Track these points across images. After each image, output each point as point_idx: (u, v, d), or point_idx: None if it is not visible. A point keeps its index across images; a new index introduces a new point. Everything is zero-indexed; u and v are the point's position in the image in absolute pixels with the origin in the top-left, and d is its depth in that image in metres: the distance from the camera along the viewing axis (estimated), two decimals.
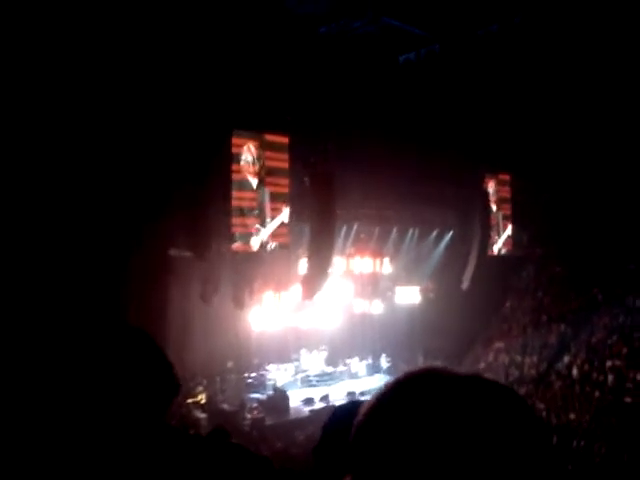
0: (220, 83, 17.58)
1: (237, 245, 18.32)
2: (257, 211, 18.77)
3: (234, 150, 18.35)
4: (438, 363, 23.18)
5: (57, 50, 14.96)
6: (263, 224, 18.87)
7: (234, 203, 18.22)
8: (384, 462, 0.74)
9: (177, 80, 16.77)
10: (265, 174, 18.90)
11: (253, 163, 18.71)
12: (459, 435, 0.72)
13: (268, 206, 19.06)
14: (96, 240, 15.67)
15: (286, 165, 19.39)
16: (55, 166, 15.02)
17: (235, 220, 18.28)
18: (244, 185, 18.55)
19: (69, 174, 15.22)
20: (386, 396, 0.80)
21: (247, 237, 18.54)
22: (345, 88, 20.70)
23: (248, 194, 18.64)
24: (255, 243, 18.65)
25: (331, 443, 1.58)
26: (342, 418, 1.64)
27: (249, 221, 18.60)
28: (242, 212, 18.50)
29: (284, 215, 19.30)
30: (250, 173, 18.65)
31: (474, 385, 0.78)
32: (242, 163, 18.51)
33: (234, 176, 18.30)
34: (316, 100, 19.68)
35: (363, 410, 0.82)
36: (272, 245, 19.04)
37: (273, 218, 19.11)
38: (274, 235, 19.09)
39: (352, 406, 1.73)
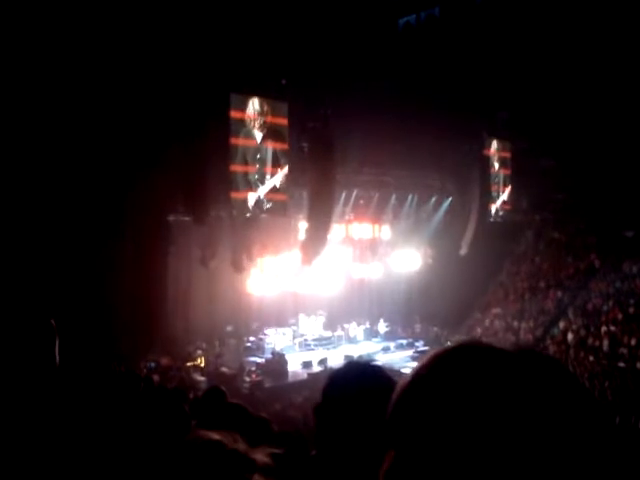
0: (217, 46, 17.36)
1: (236, 193, 18.31)
2: (258, 165, 18.76)
3: (233, 114, 18.31)
4: (435, 328, 23.41)
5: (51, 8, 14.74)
6: (262, 181, 18.86)
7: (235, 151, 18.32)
8: (430, 438, 0.70)
9: (175, 42, 16.55)
10: (267, 131, 18.88)
11: (259, 113, 18.65)
12: (506, 412, 0.69)
13: (269, 162, 19.07)
14: (93, 204, 15.63)
15: (286, 133, 19.37)
16: (51, 138, 14.91)
17: (236, 167, 18.32)
18: (248, 133, 18.57)
19: (65, 141, 15.12)
20: (427, 370, 0.76)
21: (247, 185, 18.59)
22: (344, 52, 20.45)
23: (251, 143, 18.65)
24: (252, 198, 18.62)
25: (332, 404, 1.62)
26: (341, 380, 1.67)
27: (250, 169, 18.62)
28: (245, 160, 18.51)
29: (282, 175, 19.31)
30: (255, 124, 18.62)
31: (525, 360, 0.74)
32: (248, 112, 18.53)
33: (235, 139, 18.29)
34: (315, 65, 19.45)
35: (401, 385, 0.78)
36: (268, 204, 19.02)
37: (273, 175, 19.12)
38: (272, 193, 19.14)
39: (350, 367, 1.76)
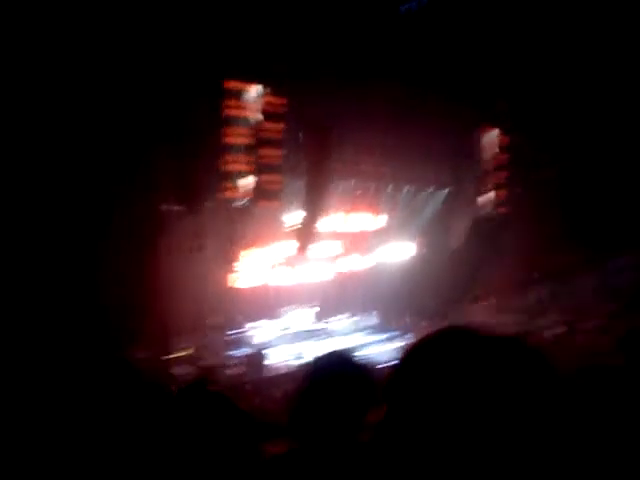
0: (211, 31, 17.20)
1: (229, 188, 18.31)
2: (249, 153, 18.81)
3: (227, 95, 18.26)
4: (427, 321, 23.38)
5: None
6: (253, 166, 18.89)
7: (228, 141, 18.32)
8: (416, 397, 0.87)
9: (166, 28, 16.41)
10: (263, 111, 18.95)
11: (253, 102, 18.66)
12: (483, 385, 0.84)
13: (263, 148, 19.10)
14: (81, 193, 15.58)
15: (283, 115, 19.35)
16: (39, 117, 14.83)
17: (229, 158, 18.35)
18: (243, 122, 18.61)
19: (53, 126, 15.04)
20: (421, 345, 0.94)
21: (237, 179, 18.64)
22: (342, 39, 20.30)
23: (244, 131, 18.66)
24: (244, 184, 18.66)
25: (315, 390, 1.71)
26: (324, 367, 1.77)
27: (243, 159, 18.64)
28: (239, 150, 18.52)
29: (277, 165, 19.25)
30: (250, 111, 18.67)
31: (503, 343, 0.91)
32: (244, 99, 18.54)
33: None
34: (312, 51, 19.31)
35: (401, 357, 0.95)
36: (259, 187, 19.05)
37: (266, 165, 19.08)
38: (265, 183, 19.16)
39: (332, 356, 1.85)
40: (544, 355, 0.92)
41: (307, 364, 1.90)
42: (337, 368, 1.73)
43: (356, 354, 1.89)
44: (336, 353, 1.88)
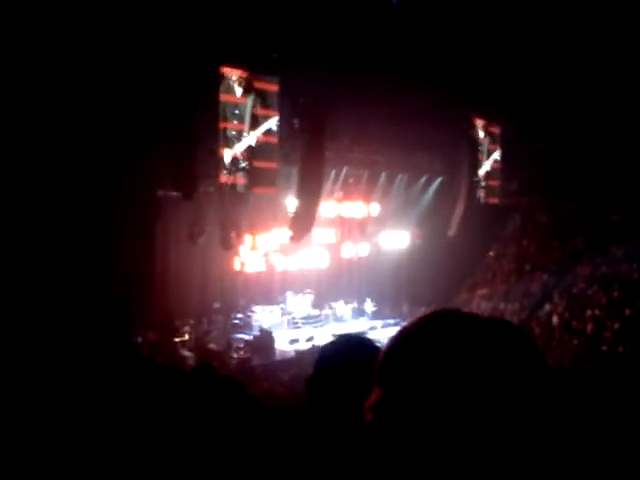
0: (207, 18, 17.09)
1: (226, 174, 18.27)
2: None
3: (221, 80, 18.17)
4: (422, 309, 23.53)
5: None
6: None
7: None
8: (410, 378, 0.88)
9: (162, 16, 16.28)
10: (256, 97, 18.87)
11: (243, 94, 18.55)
12: (474, 366, 0.85)
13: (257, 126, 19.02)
14: (80, 180, 15.45)
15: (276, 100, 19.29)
16: (36, 107, 14.66)
17: (225, 144, 18.27)
18: (239, 109, 18.53)
19: (50, 117, 14.87)
20: (413, 327, 0.94)
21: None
22: (335, 27, 20.24)
23: (239, 117, 18.59)
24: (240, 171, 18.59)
25: (323, 375, 1.65)
26: (332, 352, 1.71)
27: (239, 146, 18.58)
28: (230, 144, 18.41)
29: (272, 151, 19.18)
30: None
31: (493, 325, 0.91)
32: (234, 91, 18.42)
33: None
34: (306, 40, 19.26)
35: (392, 336, 0.96)
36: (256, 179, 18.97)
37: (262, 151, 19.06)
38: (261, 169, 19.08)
39: (341, 340, 1.80)
40: (532, 339, 0.93)
41: (314, 350, 1.85)
42: (349, 352, 1.68)
43: (364, 336, 1.84)
44: (346, 337, 1.83)
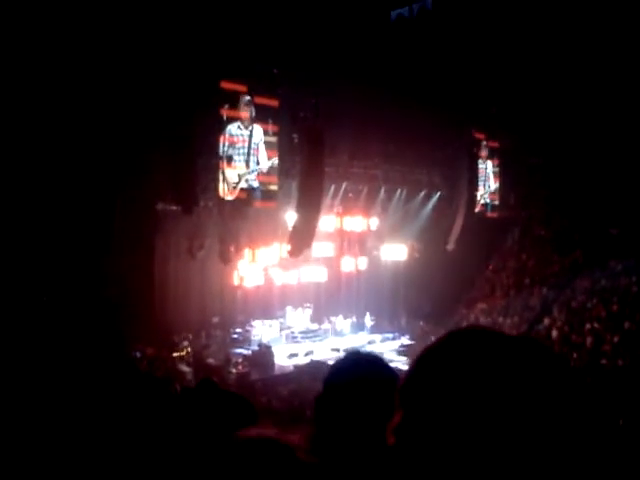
0: (208, 34, 17.25)
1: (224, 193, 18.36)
2: (245, 155, 18.81)
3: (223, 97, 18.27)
4: (421, 323, 23.51)
5: None
6: (248, 166, 18.91)
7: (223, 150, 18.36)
8: (433, 405, 0.83)
9: (164, 31, 16.43)
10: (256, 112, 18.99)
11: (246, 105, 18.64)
12: (502, 389, 0.80)
13: (259, 149, 19.15)
14: (81, 193, 15.52)
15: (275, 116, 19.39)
16: (39, 118, 14.76)
17: (222, 166, 18.33)
18: (239, 124, 18.65)
19: (53, 127, 14.97)
20: (436, 347, 0.89)
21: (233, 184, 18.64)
22: (335, 43, 20.41)
23: (239, 132, 18.69)
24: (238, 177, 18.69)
25: (333, 393, 1.61)
26: (343, 369, 1.67)
27: (237, 167, 18.68)
28: (230, 159, 18.50)
29: (270, 161, 19.36)
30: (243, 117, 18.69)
31: (521, 344, 0.86)
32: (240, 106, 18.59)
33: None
34: (306, 55, 19.41)
35: (413, 360, 0.91)
36: (257, 186, 19.02)
37: (260, 158, 19.18)
38: (261, 184, 19.23)
39: (351, 358, 1.75)
40: (566, 359, 0.87)
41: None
42: (360, 370, 1.65)
43: (375, 354, 1.81)
44: (357, 354, 1.80)
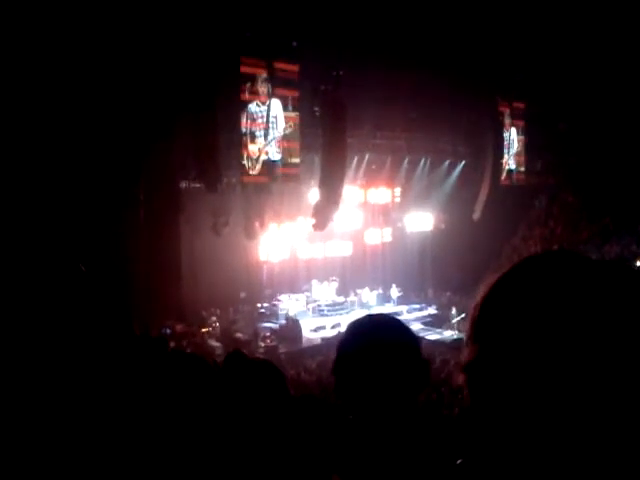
0: (228, 9, 17.13)
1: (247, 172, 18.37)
2: (264, 130, 18.84)
3: (242, 79, 18.22)
4: (448, 293, 23.41)
5: None
6: (266, 138, 18.92)
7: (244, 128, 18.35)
8: (513, 333, 0.73)
9: (184, 7, 16.34)
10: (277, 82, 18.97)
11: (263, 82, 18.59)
12: (592, 317, 0.70)
13: (277, 121, 19.11)
14: (104, 173, 15.63)
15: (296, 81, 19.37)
16: (61, 103, 14.84)
17: (245, 142, 18.40)
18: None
19: (75, 110, 15.05)
20: (513, 271, 0.79)
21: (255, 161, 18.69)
22: (356, 12, 20.09)
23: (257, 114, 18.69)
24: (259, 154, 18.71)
25: (347, 362, 1.54)
26: (358, 331, 1.57)
27: (258, 143, 18.73)
28: (253, 136, 18.47)
29: (288, 124, 19.34)
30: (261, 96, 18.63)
31: (610, 268, 0.75)
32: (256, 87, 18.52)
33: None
34: (326, 26, 19.16)
35: (488, 284, 0.80)
36: (278, 159, 18.99)
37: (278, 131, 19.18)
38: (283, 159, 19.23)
39: (368, 320, 1.64)
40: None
41: (346, 328, 1.65)
42: (376, 332, 1.53)
43: (393, 316, 1.67)
44: (374, 316, 1.67)
